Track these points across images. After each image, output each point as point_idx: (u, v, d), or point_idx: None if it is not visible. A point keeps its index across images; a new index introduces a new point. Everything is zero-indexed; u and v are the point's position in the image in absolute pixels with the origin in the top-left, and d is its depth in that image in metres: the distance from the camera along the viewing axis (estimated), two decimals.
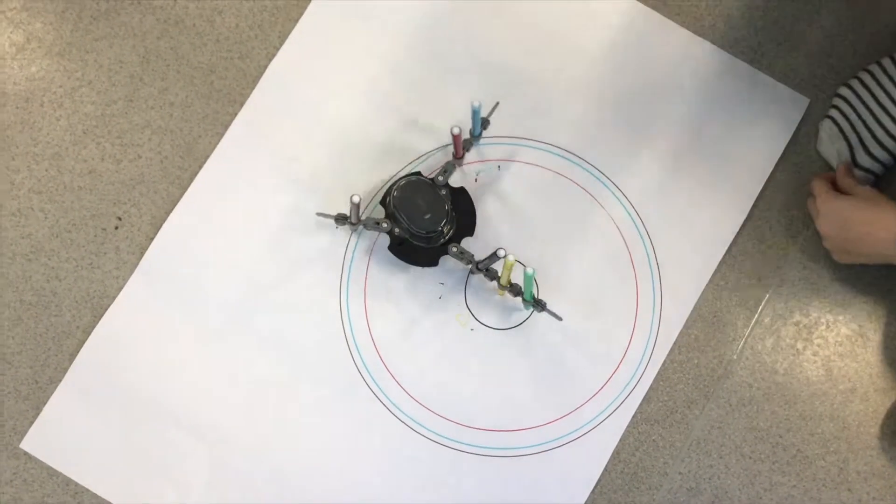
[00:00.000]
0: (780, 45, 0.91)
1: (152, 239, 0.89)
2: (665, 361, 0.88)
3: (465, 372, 0.88)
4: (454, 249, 0.85)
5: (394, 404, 0.87)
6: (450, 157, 0.89)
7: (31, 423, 0.87)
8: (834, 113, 0.88)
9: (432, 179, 0.86)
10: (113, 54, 0.92)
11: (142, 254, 0.89)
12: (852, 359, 0.88)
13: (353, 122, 0.91)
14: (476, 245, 0.88)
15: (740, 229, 0.89)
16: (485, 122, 0.87)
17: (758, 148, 0.90)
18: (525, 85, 0.91)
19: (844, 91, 0.88)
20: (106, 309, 0.88)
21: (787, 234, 0.90)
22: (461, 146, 0.86)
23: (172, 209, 0.89)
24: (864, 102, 0.86)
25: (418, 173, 0.88)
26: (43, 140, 0.91)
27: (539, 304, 0.85)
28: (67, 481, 0.86)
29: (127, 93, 0.91)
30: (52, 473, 0.86)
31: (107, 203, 0.90)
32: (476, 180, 0.90)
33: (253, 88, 0.91)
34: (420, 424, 0.87)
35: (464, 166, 0.90)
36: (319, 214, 0.87)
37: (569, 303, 0.88)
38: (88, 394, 0.87)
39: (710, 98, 0.91)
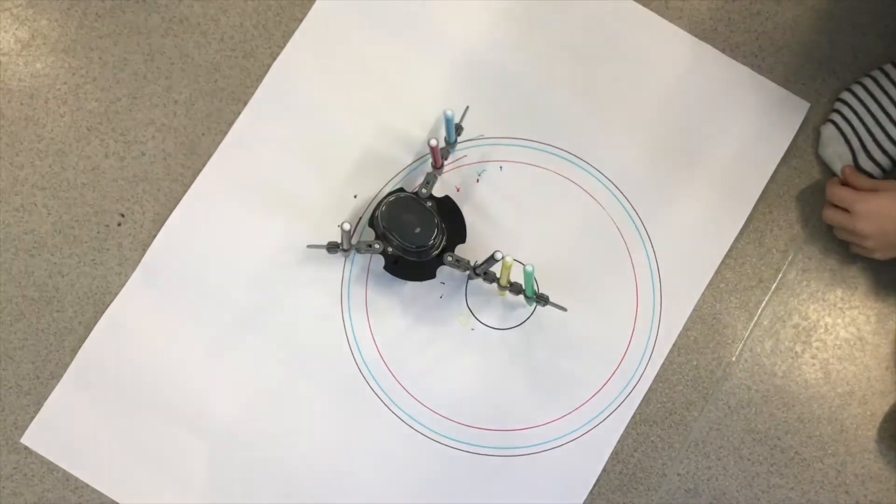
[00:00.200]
0: (780, 50, 0.92)
1: (155, 236, 0.89)
2: (664, 363, 0.88)
3: (466, 371, 0.88)
4: (449, 259, 0.85)
5: (395, 403, 0.88)
6: (429, 169, 0.89)
7: (32, 418, 0.87)
8: (836, 117, 0.88)
9: (416, 193, 0.86)
10: (117, 52, 0.92)
11: (144, 251, 0.89)
12: (850, 362, 0.88)
13: (349, 124, 0.91)
14: (471, 249, 0.88)
15: (740, 232, 0.90)
16: (458, 128, 0.88)
17: (758, 151, 0.91)
18: (525, 86, 0.92)
19: (846, 95, 0.88)
20: (108, 305, 0.88)
21: (786, 236, 0.90)
22: (440, 156, 0.86)
23: (175, 206, 0.90)
24: (866, 107, 0.87)
25: (401, 189, 0.88)
26: (47, 136, 0.91)
27: (542, 299, 0.85)
28: (68, 476, 0.87)
29: (131, 90, 0.92)
30: (53, 468, 0.87)
31: (110, 200, 0.90)
32: (477, 181, 0.91)
33: (256, 87, 0.91)
34: (420, 423, 0.87)
35: (461, 169, 0.91)
36: (310, 246, 0.87)
37: (568, 304, 0.88)
38: (89, 389, 0.87)
39: (710, 101, 0.91)
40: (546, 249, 0.89)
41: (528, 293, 0.84)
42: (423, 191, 0.86)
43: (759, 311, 0.89)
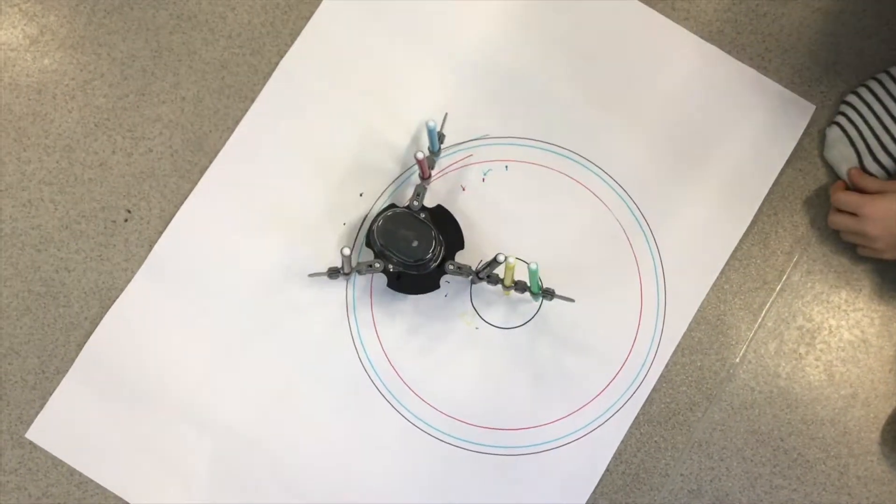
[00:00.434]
0: (787, 52, 0.92)
1: (161, 232, 0.90)
2: (668, 363, 0.88)
3: (470, 370, 0.88)
4: (451, 267, 0.85)
5: (399, 402, 0.88)
6: (417, 181, 0.89)
7: (37, 412, 0.87)
8: (841, 119, 0.88)
9: (407, 207, 0.86)
10: (126, 48, 0.93)
11: (150, 247, 0.89)
12: (854, 364, 0.89)
13: (356, 123, 0.92)
14: (477, 248, 0.89)
15: (745, 233, 0.90)
16: (441, 136, 0.88)
17: (763, 153, 0.91)
18: (531, 86, 0.92)
19: (852, 98, 0.88)
20: (114, 301, 0.89)
21: (791, 238, 0.90)
22: (427, 167, 0.86)
23: (182, 203, 0.90)
24: (871, 109, 0.87)
25: (393, 205, 0.88)
26: (55, 132, 0.91)
27: (548, 293, 0.85)
28: (72, 471, 0.87)
29: (139, 86, 0.92)
30: (57, 463, 0.87)
31: (117, 196, 0.91)
32: (483, 180, 0.91)
33: (264, 85, 0.92)
34: (424, 422, 0.87)
35: (467, 168, 0.91)
36: (312, 275, 0.87)
37: (573, 305, 0.88)
38: (94, 385, 0.88)
39: (716, 102, 0.91)
40: (551, 249, 0.90)
41: (534, 289, 0.84)
42: (415, 203, 0.86)
43: (764, 312, 0.89)
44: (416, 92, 0.92)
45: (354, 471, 0.87)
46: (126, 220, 0.90)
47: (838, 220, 0.86)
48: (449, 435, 0.87)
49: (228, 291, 0.89)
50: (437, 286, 0.87)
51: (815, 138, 0.91)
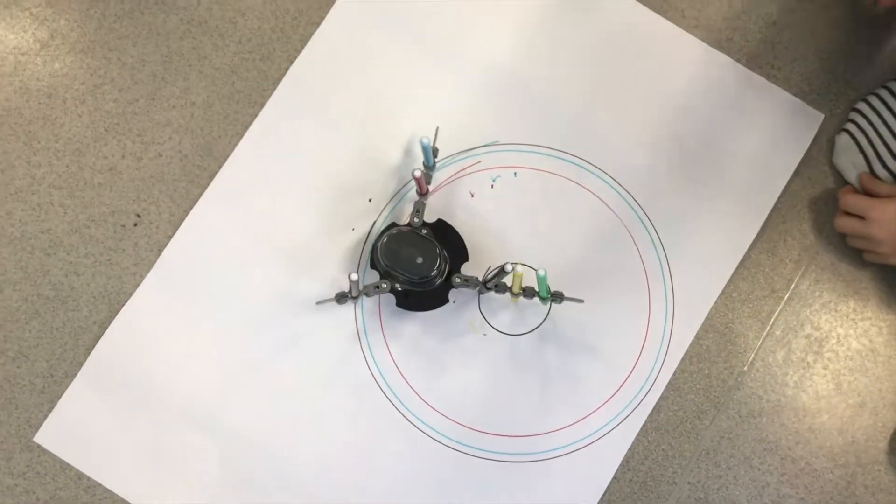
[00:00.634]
0: (796, 60, 0.92)
1: (171, 237, 0.90)
2: (676, 371, 0.88)
3: (478, 377, 0.88)
4: (458, 280, 0.85)
5: (406, 407, 0.88)
6: (415, 197, 0.89)
7: (46, 416, 0.87)
8: (850, 126, 0.88)
9: (408, 224, 0.86)
10: (136, 53, 0.93)
11: (160, 251, 0.90)
12: (862, 373, 0.89)
13: (365, 128, 0.92)
14: (485, 255, 0.89)
15: (753, 241, 0.90)
16: (435, 151, 0.88)
17: (772, 161, 0.91)
18: (540, 93, 0.92)
19: (862, 105, 0.89)
20: (123, 305, 0.89)
21: (799, 246, 0.90)
22: (424, 183, 0.86)
23: (191, 208, 0.90)
24: (881, 117, 0.87)
25: (393, 224, 0.88)
26: (64, 136, 0.92)
27: (557, 297, 0.85)
28: (80, 475, 0.87)
29: (149, 91, 0.92)
30: (65, 467, 0.87)
31: (126, 200, 0.91)
32: (492, 186, 0.91)
33: (274, 90, 0.92)
34: (431, 428, 0.88)
35: (476, 174, 0.91)
36: (319, 303, 0.87)
37: (581, 312, 0.88)
38: (103, 389, 0.88)
39: (725, 111, 0.91)
40: (559, 256, 0.90)
41: (543, 294, 0.84)
42: (416, 220, 0.86)
43: (772, 320, 0.89)
44: (426, 99, 0.92)
45: (362, 477, 0.87)
46: (135, 225, 0.90)
47: (845, 223, 0.86)
48: (456, 441, 0.87)
49: (237, 296, 0.89)
50: (447, 300, 0.87)
51: (823, 147, 0.91)
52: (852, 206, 0.85)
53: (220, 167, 0.91)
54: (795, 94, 0.92)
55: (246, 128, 0.91)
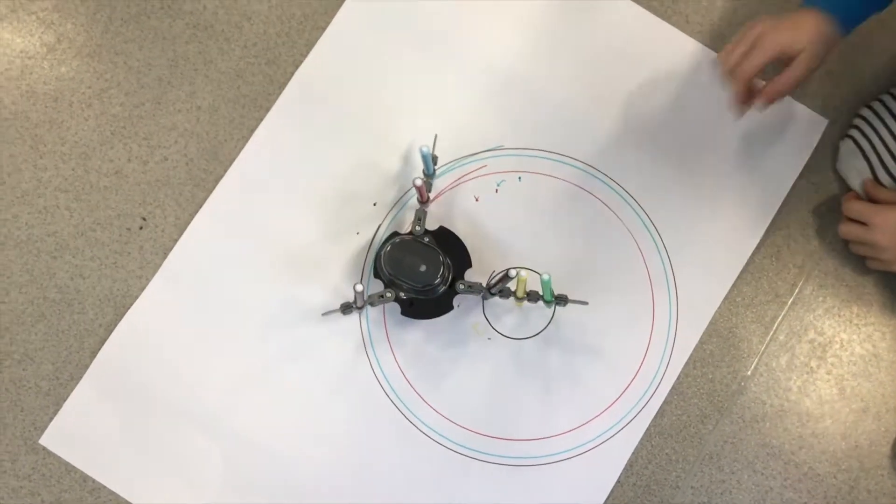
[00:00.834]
0: None
1: (176, 240, 0.90)
2: (679, 375, 0.88)
3: (481, 380, 0.88)
4: (461, 286, 0.85)
5: (409, 410, 0.88)
6: (416, 205, 0.89)
7: (51, 418, 0.88)
8: (854, 132, 0.89)
9: (410, 233, 0.87)
10: (142, 57, 0.93)
11: (165, 255, 0.90)
12: (865, 378, 0.89)
13: (371, 132, 0.92)
14: (489, 260, 0.89)
15: (757, 246, 0.90)
16: (434, 158, 0.88)
17: (776, 167, 0.91)
18: (545, 98, 0.92)
19: (865, 111, 0.89)
20: (128, 308, 0.89)
21: (803, 252, 0.91)
22: (425, 192, 0.86)
23: (197, 211, 0.90)
24: (884, 123, 0.87)
25: (395, 233, 0.89)
26: (71, 139, 0.92)
27: (561, 300, 0.85)
28: (85, 478, 0.87)
29: (155, 95, 0.93)
30: (70, 469, 0.87)
31: (132, 203, 0.91)
32: (496, 191, 0.91)
33: (279, 94, 0.92)
34: (434, 430, 0.88)
35: (480, 179, 0.91)
36: (325, 314, 0.87)
37: (585, 316, 0.88)
38: (108, 392, 0.88)
39: (730, 116, 0.91)
40: (563, 260, 0.90)
41: (547, 298, 0.84)
42: (418, 228, 0.86)
43: (775, 325, 0.90)
44: (431, 103, 0.92)
45: (365, 480, 0.87)
46: (141, 228, 0.91)
47: (848, 230, 0.87)
48: (460, 445, 0.88)
49: (242, 300, 0.89)
50: (451, 307, 0.87)
51: (827, 152, 0.92)
52: (855, 212, 0.85)
53: (225, 171, 0.91)
54: (799, 100, 0.92)
55: (251, 132, 0.92)
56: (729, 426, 0.88)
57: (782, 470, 0.88)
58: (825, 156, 0.92)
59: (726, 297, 0.90)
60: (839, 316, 0.90)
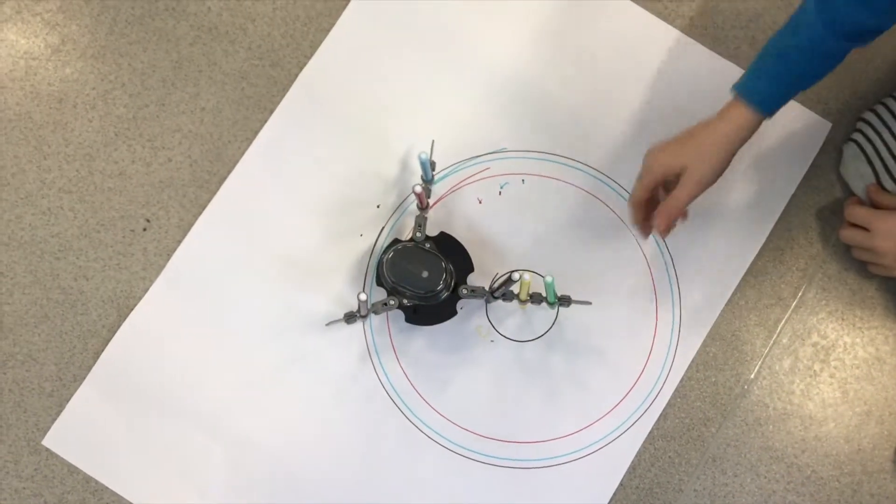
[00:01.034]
0: None
1: (180, 242, 0.90)
2: (683, 378, 0.88)
3: (484, 383, 0.88)
4: (465, 291, 0.85)
5: (412, 413, 0.88)
6: (416, 212, 0.88)
7: (54, 419, 0.88)
8: (858, 136, 0.89)
9: (411, 239, 0.87)
10: (146, 58, 0.93)
11: (169, 256, 0.90)
12: (868, 382, 0.89)
13: (375, 135, 0.92)
14: (492, 262, 0.89)
15: (760, 250, 0.90)
16: (432, 164, 0.88)
17: (780, 170, 0.91)
18: (548, 101, 0.92)
19: (869, 115, 0.89)
20: (131, 309, 0.89)
21: (806, 255, 0.91)
22: (425, 198, 0.86)
23: (200, 213, 0.90)
24: (888, 127, 0.87)
25: (396, 240, 0.88)
26: (75, 141, 0.92)
27: (564, 301, 0.85)
28: (88, 479, 0.87)
29: (159, 97, 0.93)
30: (73, 470, 0.87)
31: (136, 205, 0.91)
32: (500, 193, 0.91)
33: (283, 96, 0.92)
34: (437, 433, 0.88)
35: (484, 181, 0.91)
36: (329, 324, 0.87)
37: (588, 319, 0.88)
38: (111, 393, 0.88)
39: None
40: (566, 263, 0.90)
41: (551, 299, 0.85)
42: (419, 234, 0.86)
43: (779, 329, 0.90)
44: (435, 105, 0.92)
45: (369, 483, 0.87)
46: (144, 230, 0.91)
47: (849, 234, 0.87)
48: (463, 447, 0.88)
49: (246, 302, 0.89)
50: (455, 313, 0.87)
51: (830, 156, 0.92)
52: (857, 217, 0.86)
53: (229, 172, 0.91)
54: (803, 104, 0.92)
55: (255, 133, 0.92)
56: (732, 429, 0.88)
57: (785, 473, 0.88)
58: (828, 159, 0.92)
59: (729, 301, 0.90)
60: (842, 319, 0.90)
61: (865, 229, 0.85)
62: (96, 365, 0.88)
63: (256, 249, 0.90)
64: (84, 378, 0.88)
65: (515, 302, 0.87)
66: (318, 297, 0.89)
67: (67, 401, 0.88)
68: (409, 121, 0.92)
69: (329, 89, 0.93)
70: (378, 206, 0.91)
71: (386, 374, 0.88)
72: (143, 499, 0.87)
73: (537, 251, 0.90)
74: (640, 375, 0.88)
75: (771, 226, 0.91)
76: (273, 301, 0.89)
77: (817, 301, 0.90)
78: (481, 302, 0.89)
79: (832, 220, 0.91)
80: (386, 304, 0.84)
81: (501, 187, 0.92)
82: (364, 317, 0.86)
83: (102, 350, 0.89)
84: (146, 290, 0.89)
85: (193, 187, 0.91)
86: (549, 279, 0.81)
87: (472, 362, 0.89)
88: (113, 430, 0.88)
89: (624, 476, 0.87)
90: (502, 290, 0.84)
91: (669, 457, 0.88)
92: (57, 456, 0.87)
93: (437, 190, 0.91)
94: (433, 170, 0.89)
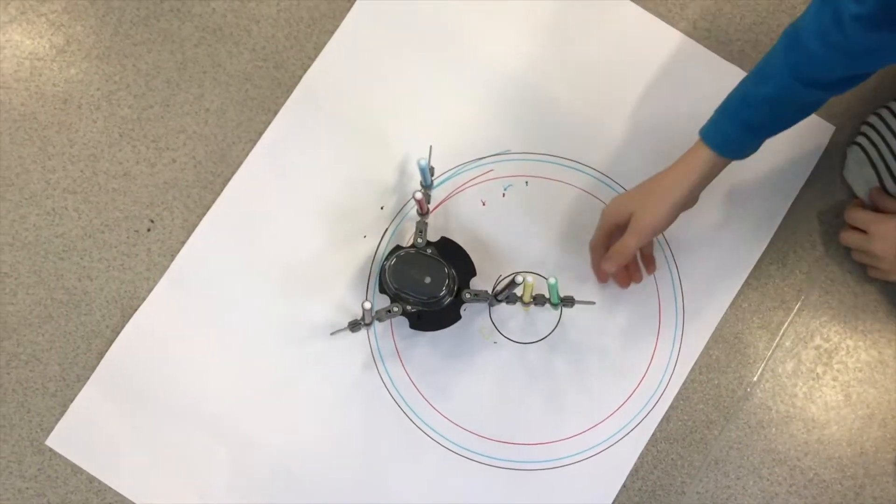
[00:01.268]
0: None
1: (184, 242, 0.90)
2: (686, 381, 0.88)
3: (487, 384, 0.89)
4: (468, 295, 0.85)
5: (416, 414, 0.88)
6: (416, 218, 0.89)
7: (58, 420, 0.88)
8: (862, 140, 0.89)
9: (412, 246, 0.87)
10: (151, 59, 0.93)
11: (173, 256, 0.90)
12: (871, 385, 0.89)
13: (379, 136, 0.92)
14: (495, 263, 0.89)
15: (764, 252, 0.90)
16: (431, 169, 0.88)
17: (783, 173, 0.91)
18: (552, 103, 0.93)
19: (873, 119, 0.89)
20: (135, 310, 0.89)
21: (809, 258, 0.91)
22: (425, 204, 0.86)
23: (205, 214, 0.91)
24: (892, 130, 0.87)
25: (398, 246, 0.88)
26: (79, 141, 0.92)
27: (568, 301, 0.85)
28: (91, 479, 0.87)
29: (163, 98, 0.93)
30: (76, 470, 0.87)
31: (140, 205, 0.91)
32: (503, 195, 0.91)
33: (287, 98, 0.92)
34: (440, 434, 0.88)
35: (487, 183, 0.91)
36: (334, 333, 0.87)
37: (591, 321, 0.88)
38: (115, 393, 0.88)
39: None
40: (569, 265, 0.90)
41: (554, 301, 0.85)
42: (420, 240, 0.86)
43: (781, 331, 0.90)
44: (439, 107, 0.93)
45: (371, 484, 0.87)
46: (149, 230, 0.91)
47: (849, 237, 0.87)
48: (465, 448, 0.88)
49: (249, 302, 0.89)
50: (459, 317, 0.87)
51: (834, 159, 0.92)
52: (857, 220, 0.86)
53: (233, 173, 0.91)
54: None
55: (259, 135, 0.92)
56: (735, 432, 0.88)
57: (788, 476, 0.88)
58: (832, 162, 0.92)
59: (732, 303, 0.90)
60: (845, 322, 0.90)
61: (864, 232, 0.85)
62: (100, 365, 0.88)
63: (260, 250, 0.90)
64: (88, 378, 0.88)
65: (519, 305, 0.88)
66: (321, 298, 0.89)
67: (71, 401, 0.88)
68: (413, 122, 0.92)
69: (333, 91, 0.93)
70: (382, 208, 0.91)
71: (389, 376, 0.89)
72: (146, 499, 0.87)
73: (540, 253, 0.90)
74: (643, 377, 0.89)
75: (774, 229, 0.91)
76: (276, 302, 0.89)
77: (820, 304, 0.90)
78: (484, 304, 0.89)
79: (835, 224, 0.91)
80: (390, 312, 0.84)
81: (505, 189, 0.92)
82: (368, 325, 0.86)
83: (106, 350, 0.89)
84: (150, 291, 0.90)
85: (197, 188, 0.91)
86: (552, 281, 0.81)
87: (475, 364, 0.89)
88: (116, 430, 0.88)
89: (627, 478, 0.87)
90: (505, 294, 0.84)
91: (672, 459, 0.88)
92: (60, 456, 0.88)
93: (440, 194, 0.91)
94: (432, 175, 0.89)
